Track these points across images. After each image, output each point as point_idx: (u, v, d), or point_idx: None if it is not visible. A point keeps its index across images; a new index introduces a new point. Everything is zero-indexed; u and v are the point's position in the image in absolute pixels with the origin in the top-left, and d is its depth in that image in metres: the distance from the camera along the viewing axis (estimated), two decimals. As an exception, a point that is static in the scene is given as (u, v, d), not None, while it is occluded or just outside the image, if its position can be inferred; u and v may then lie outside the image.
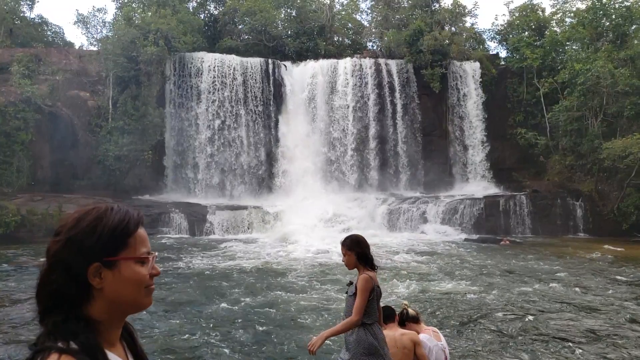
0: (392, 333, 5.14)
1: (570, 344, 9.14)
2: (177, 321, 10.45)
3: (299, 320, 10.65)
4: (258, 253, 20.06)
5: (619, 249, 21.46)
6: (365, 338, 4.55)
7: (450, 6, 37.36)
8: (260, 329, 10.04)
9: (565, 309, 11.59)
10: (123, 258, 1.40)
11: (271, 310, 11.41)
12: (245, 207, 27.64)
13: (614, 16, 32.59)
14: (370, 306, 4.62)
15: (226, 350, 8.91)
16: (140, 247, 1.44)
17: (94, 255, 1.37)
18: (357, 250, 4.77)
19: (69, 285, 1.35)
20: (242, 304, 11.97)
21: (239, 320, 10.65)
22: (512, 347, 9.03)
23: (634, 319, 10.73)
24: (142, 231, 1.47)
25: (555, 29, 37.78)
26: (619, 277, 15.57)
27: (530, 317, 10.76)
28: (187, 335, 9.54)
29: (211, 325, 10.27)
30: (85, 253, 1.36)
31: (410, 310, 5.50)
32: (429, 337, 5.25)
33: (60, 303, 1.34)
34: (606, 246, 22.00)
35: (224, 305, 11.79)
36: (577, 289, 13.63)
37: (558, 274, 15.85)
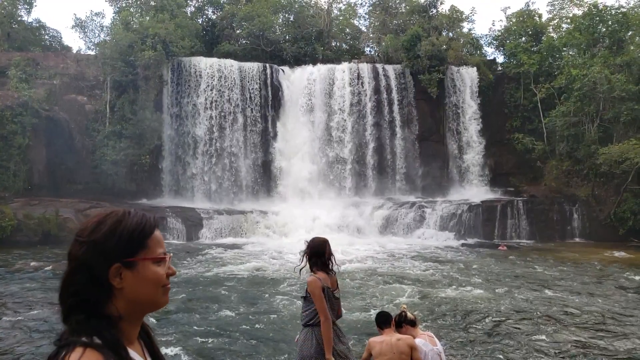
0: (389, 338, 5.17)
1: (580, 357, 8.83)
2: (169, 330, 10.28)
3: (292, 329, 10.55)
4: (254, 259, 19.94)
5: (622, 255, 21.38)
6: (310, 340, 4.77)
7: (447, 12, 37.53)
8: (254, 337, 9.91)
9: (575, 318, 11.32)
10: (142, 259, 1.47)
11: (265, 318, 11.26)
12: (242, 212, 27.59)
13: (610, 22, 32.76)
14: None
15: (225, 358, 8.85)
16: (157, 248, 1.51)
17: (114, 256, 1.44)
18: (307, 252, 4.91)
19: (92, 285, 1.41)
20: (237, 311, 11.81)
21: (233, 328, 10.49)
22: (517, 358, 8.84)
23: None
24: (158, 233, 1.54)
25: (552, 34, 37.97)
26: (627, 284, 15.30)
27: (539, 328, 10.47)
28: (176, 344, 9.37)
29: (203, 334, 10.08)
30: (106, 255, 1.43)
31: (409, 314, 5.53)
32: (425, 341, 5.27)
33: (82, 303, 1.40)
34: (608, 252, 21.92)
35: (217, 313, 11.61)
36: (585, 296, 13.44)
37: (564, 281, 15.62)
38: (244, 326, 10.67)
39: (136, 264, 1.46)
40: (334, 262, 4.98)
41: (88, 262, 1.42)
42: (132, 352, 1.44)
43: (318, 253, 4.88)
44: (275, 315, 11.48)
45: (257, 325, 10.73)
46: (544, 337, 9.88)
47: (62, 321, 1.41)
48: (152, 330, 1.63)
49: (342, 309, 5.36)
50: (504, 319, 11.18)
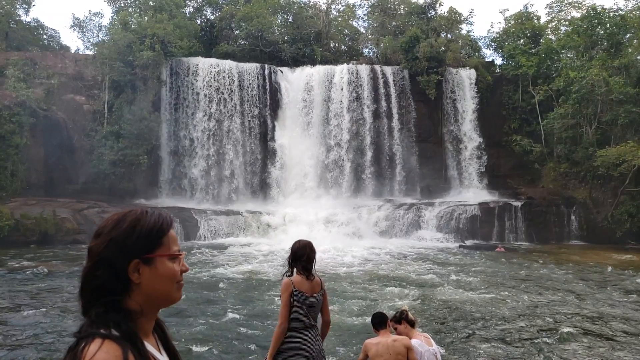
0: (385, 340, 5.17)
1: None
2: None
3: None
4: (251, 260, 19.86)
5: (623, 257, 21.30)
6: (292, 343, 4.72)
7: (446, 13, 37.58)
8: (249, 341, 9.79)
9: (579, 321, 11.12)
10: (159, 255, 1.55)
11: (261, 321, 11.13)
12: (240, 213, 27.55)
13: (608, 25, 32.82)
14: (294, 311, 4.69)
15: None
16: (172, 246, 1.59)
17: (134, 253, 1.51)
18: (289, 256, 4.86)
19: (112, 280, 1.48)
20: (232, 314, 11.62)
21: (228, 331, 10.34)
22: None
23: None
24: (173, 231, 1.63)
25: (550, 37, 38.04)
26: (630, 287, 15.11)
27: (542, 331, 10.29)
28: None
29: (196, 337, 9.91)
30: (126, 251, 1.50)
31: (410, 314, 5.55)
32: (420, 342, 5.29)
33: (101, 297, 1.47)
34: (607, 254, 21.84)
35: (211, 316, 11.45)
36: (589, 299, 13.32)
37: (566, 284, 15.46)
38: (238, 329, 10.51)
39: (154, 261, 1.53)
40: (313, 266, 4.90)
41: (109, 258, 1.48)
42: (148, 345, 1.50)
43: (295, 256, 4.83)
44: (270, 320, 11.30)
45: (252, 329, 10.57)
46: (547, 340, 9.76)
47: (81, 314, 1.47)
48: (166, 324, 1.69)
49: (331, 313, 5.24)
50: (506, 322, 11.05)
